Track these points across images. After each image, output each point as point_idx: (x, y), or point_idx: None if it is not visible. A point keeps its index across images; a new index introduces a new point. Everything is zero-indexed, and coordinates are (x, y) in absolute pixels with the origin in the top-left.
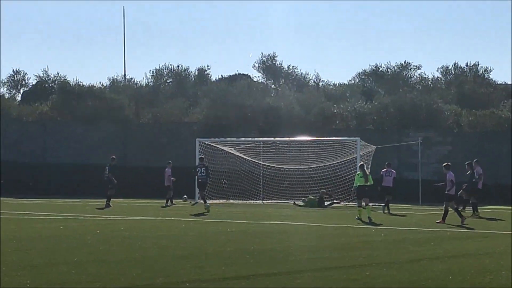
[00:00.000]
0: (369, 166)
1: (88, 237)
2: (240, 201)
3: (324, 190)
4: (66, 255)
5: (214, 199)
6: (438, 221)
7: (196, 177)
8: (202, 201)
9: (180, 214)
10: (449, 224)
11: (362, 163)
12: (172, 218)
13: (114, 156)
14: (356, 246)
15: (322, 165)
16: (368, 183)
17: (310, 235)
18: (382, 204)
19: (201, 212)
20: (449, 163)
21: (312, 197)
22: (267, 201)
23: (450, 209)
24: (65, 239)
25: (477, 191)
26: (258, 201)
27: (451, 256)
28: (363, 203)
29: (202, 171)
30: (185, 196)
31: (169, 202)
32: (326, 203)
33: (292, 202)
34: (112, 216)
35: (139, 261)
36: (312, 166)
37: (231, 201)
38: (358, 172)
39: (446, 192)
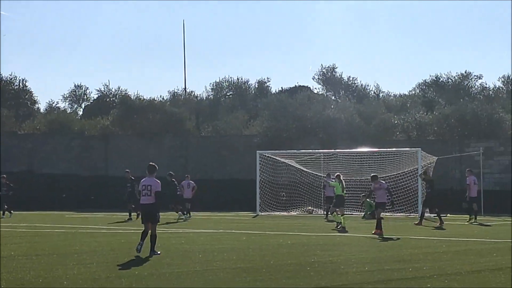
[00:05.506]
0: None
1: None
2: (301, 213)
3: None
4: (127, 268)
5: (275, 211)
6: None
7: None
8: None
9: (241, 227)
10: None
11: (338, 173)
12: (234, 231)
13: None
14: (417, 258)
15: (383, 176)
16: (344, 193)
17: (371, 247)
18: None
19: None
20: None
21: (368, 200)
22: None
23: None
24: (128, 252)
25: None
26: (319, 213)
27: None
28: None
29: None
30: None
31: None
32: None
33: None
34: (173, 229)
35: (200, 274)
36: None
37: (292, 213)
38: (336, 182)
39: None
